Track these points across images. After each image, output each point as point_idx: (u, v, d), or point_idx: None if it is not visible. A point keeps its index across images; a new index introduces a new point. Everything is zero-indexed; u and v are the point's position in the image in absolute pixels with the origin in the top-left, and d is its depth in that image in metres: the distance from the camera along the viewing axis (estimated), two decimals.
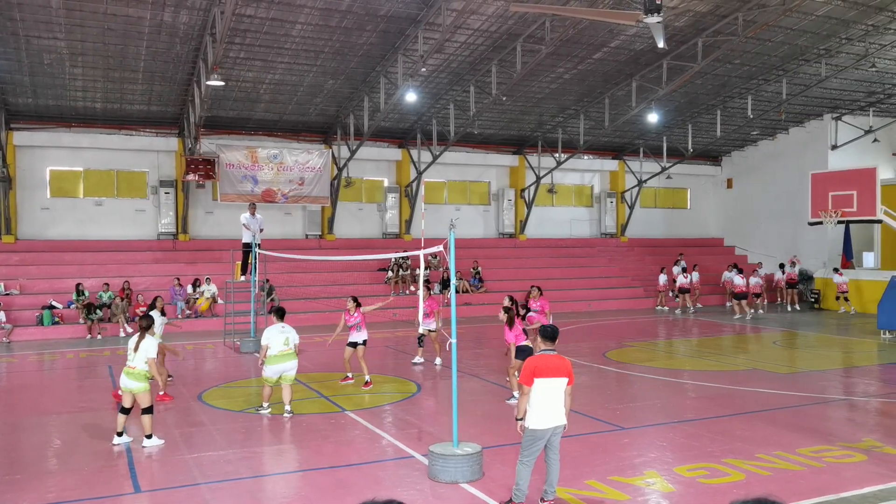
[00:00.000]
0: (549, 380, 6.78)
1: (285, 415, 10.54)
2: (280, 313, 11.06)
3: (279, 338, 10.60)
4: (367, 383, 12.74)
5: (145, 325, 9.51)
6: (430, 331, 14.85)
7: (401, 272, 25.38)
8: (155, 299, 13.51)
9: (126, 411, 9.39)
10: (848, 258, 27.19)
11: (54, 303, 20.83)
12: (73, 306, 20.92)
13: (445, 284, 23.79)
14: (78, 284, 21.13)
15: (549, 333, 7.13)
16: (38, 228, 23.64)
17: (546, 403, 6.80)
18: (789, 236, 30.07)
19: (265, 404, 10.87)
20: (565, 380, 6.86)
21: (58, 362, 16.54)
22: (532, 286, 15.57)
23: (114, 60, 19.37)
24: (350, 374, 13.17)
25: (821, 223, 26.39)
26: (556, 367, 6.83)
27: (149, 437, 9.25)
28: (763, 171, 31.79)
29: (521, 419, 6.91)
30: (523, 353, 10.96)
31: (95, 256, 23.54)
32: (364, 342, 12.98)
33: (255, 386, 13.52)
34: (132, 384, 9.23)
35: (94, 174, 24.45)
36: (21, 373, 15.47)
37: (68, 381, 14.48)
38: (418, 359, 15.30)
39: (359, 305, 13.06)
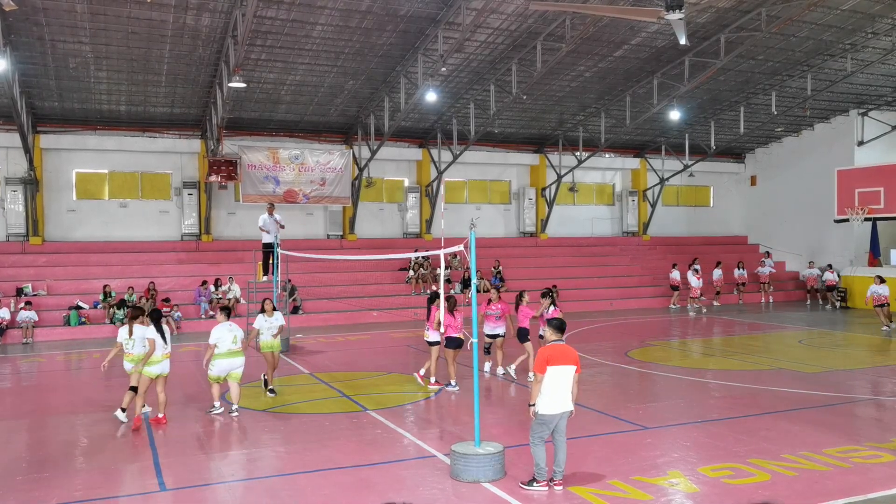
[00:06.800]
0: (561, 367, 7.40)
1: (234, 414, 10.68)
2: (227, 311, 11.24)
3: (228, 336, 10.74)
4: (436, 382, 12.56)
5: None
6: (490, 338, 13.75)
7: (421, 271, 25.41)
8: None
9: None
10: (875, 256, 26.79)
11: (81, 303, 21.12)
12: (98, 307, 21.20)
13: (466, 284, 23.76)
14: (105, 286, 21.42)
15: (560, 326, 7.81)
16: (65, 230, 23.98)
17: (557, 390, 7.39)
18: (815, 234, 29.66)
19: (216, 404, 10.92)
20: (573, 367, 7.51)
21: (85, 362, 16.77)
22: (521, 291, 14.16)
23: (137, 63, 19.60)
24: (426, 378, 12.55)
25: (847, 220, 26.08)
26: (566, 356, 7.49)
27: None
28: (788, 168, 31.37)
29: (533, 405, 7.47)
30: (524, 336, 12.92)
31: (121, 257, 23.83)
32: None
33: (279, 385, 13.60)
34: None
35: (119, 176, 24.75)
36: (49, 372, 15.71)
37: (95, 380, 14.66)
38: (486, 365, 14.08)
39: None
